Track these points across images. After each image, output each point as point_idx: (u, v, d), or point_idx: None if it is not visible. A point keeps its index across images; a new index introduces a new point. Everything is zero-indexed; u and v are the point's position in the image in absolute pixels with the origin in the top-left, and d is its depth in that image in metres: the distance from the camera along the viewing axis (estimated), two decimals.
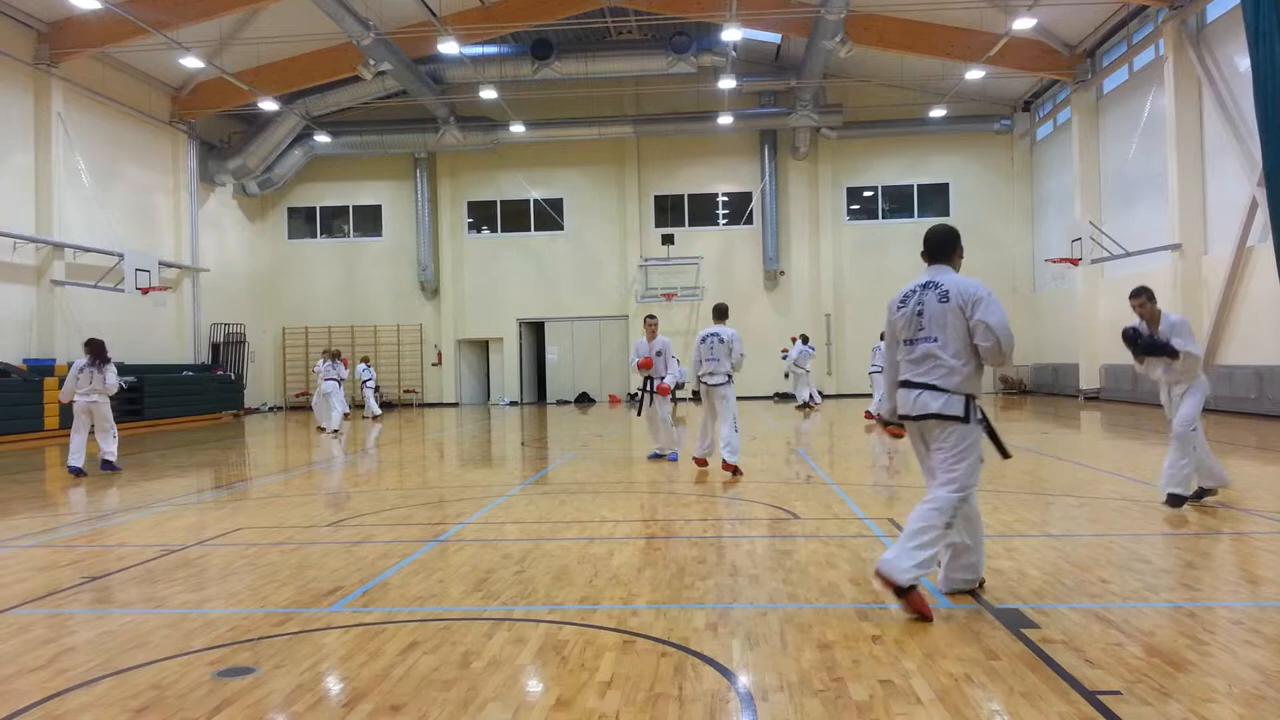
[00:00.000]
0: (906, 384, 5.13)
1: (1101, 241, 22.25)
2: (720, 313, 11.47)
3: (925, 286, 5.13)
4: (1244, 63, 16.84)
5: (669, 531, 7.49)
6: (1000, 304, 5.02)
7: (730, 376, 11.03)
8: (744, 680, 3.92)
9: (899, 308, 5.23)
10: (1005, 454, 5.24)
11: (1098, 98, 25.46)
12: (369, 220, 33.66)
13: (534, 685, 3.97)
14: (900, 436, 5.44)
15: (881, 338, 14.63)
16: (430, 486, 10.88)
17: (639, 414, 12.87)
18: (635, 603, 5.19)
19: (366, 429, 22.07)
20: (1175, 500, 7.75)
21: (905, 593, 4.72)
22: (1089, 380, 25.33)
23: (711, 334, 11.13)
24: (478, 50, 27.15)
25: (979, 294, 4.96)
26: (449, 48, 23.98)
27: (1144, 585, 5.31)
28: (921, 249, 5.29)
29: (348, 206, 33.67)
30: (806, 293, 31.87)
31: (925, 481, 5.22)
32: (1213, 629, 4.49)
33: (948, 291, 5.02)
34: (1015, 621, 4.64)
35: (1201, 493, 8.03)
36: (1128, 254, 21.50)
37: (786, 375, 27.54)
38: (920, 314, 5.07)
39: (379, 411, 26.51)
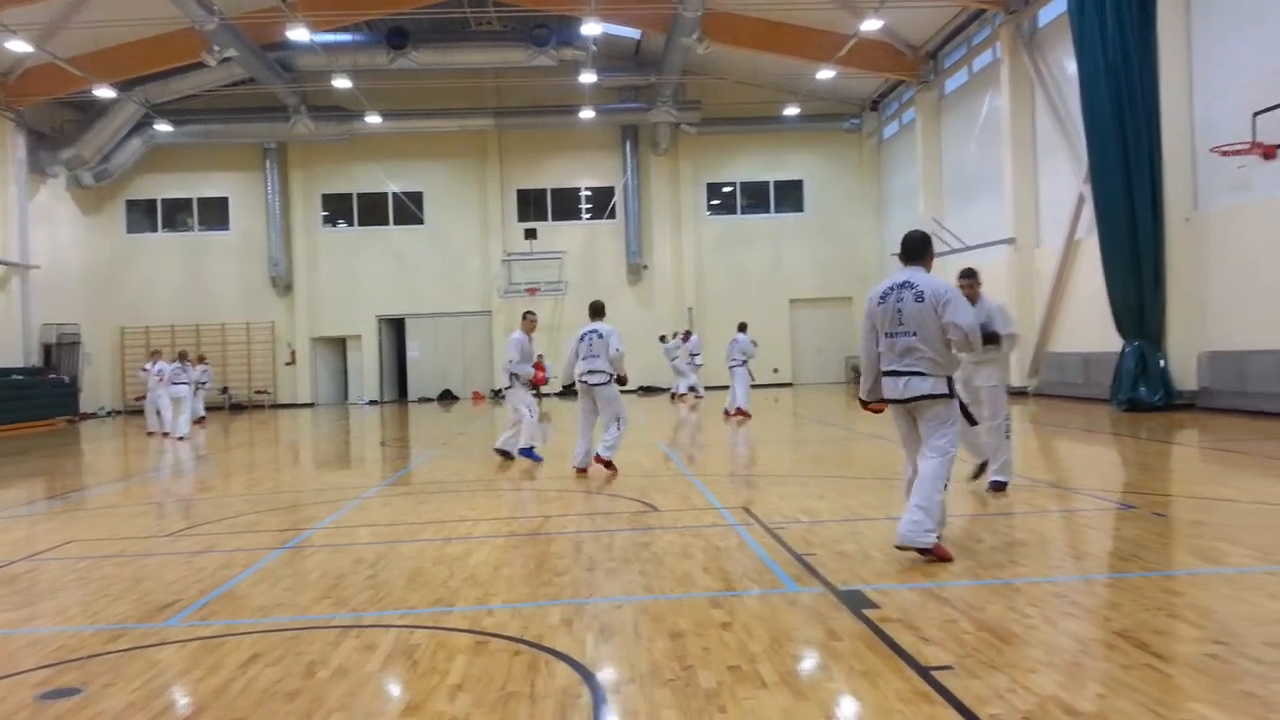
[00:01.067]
0: (894, 373, 5.80)
1: (943, 235, 23.35)
2: (597, 310, 11.06)
3: (902, 286, 5.78)
4: (1072, 66, 17.94)
5: (529, 529, 7.45)
6: (966, 303, 5.86)
7: (612, 375, 10.65)
8: (596, 674, 3.94)
9: (879, 303, 5.87)
10: (973, 421, 6.32)
11: (940, 98, 26.69)
12: (215, 213, 32.13)
13: (382, 692, 3.89)
14: (880, 412, 6.21)
15: (741, 329, 14.70)
16: (281, 491, 10.51)
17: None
18: (491, 602, 5.15)
19: (203, 433, 21.09)
20: (998, 486, 8.08)
21: (929, 551, 5.57)
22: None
23: (590, 331, 10.78)
24: (331, 38, 26.24)
25: (948, 295, 5.71)
26: (299, 34, 23.14)
27: (977, 564, 5.61)
28: (898, 250, 6.09)
29: (192, 199, 32.05)
30: (669, 286, 32.25)
31: (905, 453, 6.06)
32: (1037, 602, 4.78)
33: (922, 292, 5.69)
34: (857, 602, 4.83)
35: (981, 470, 8.30)
36: (967, 247, 22.64)
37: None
38: (900, 311, 5.74)
39: (203, 414, 24.55)
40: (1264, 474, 8.95)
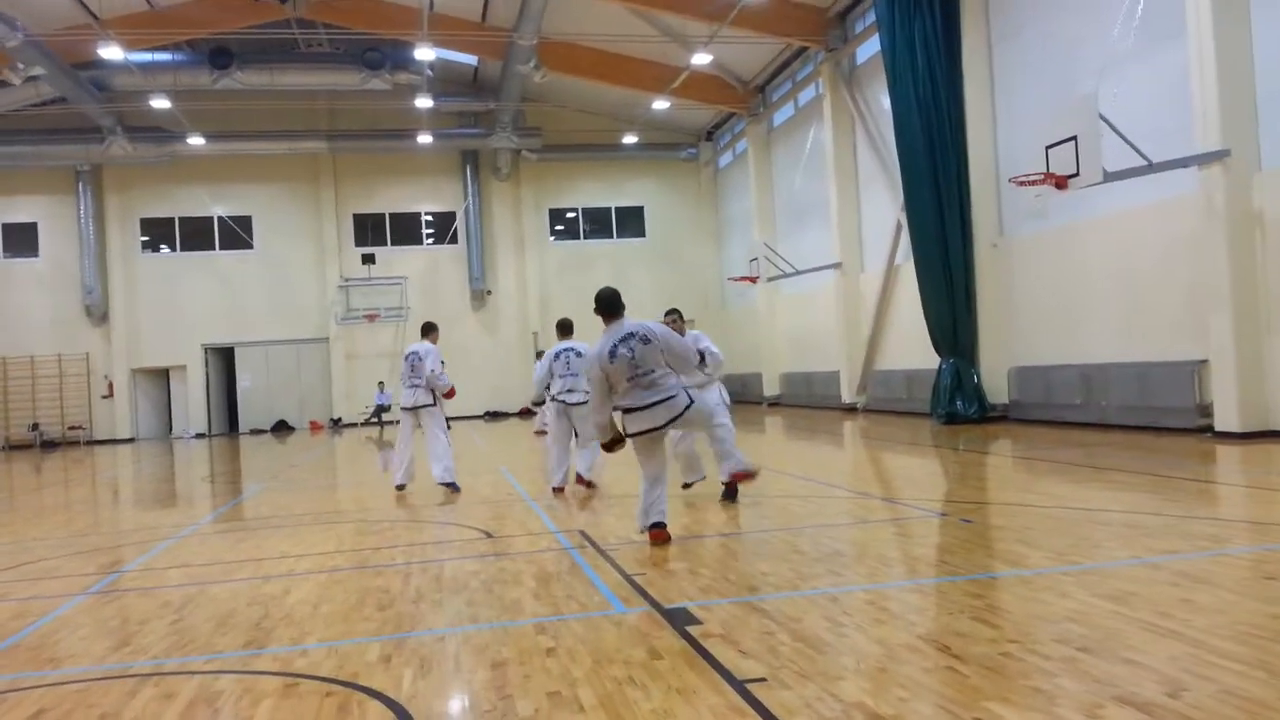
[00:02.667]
0: (646, 407, 6.78)
1: (776, 261, 24.21)
2: (567, 327, 10.78)
3: (629, 336, 6.80)
4: (887, 101, 18.97)
5: (356, 562, 7.20)
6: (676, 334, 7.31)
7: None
8: (410, 710, 3.83)
9: (611, 361, 6.78)
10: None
11: (769, 130, 27.72)
12: (23, 239, 29.89)
13: None
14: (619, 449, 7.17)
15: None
16: (85, 533, 9.79)
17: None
18: (306, 642, 4.93)
19: None
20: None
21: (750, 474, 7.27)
22: (771, 388, 27.41)
23: (567, 349, 10.49)
24: (148, 57, 24.92)
25: (665, 332, 7.06)
26: (112, 53, 21.91)
27: (797, 575, 5.79)
28: (596, 309, 7.02)
29: None
30: (514, 311, 32.08)
31: (645, 471, 7.16)
32: (850, 611, 4.96)
33: (647, 336, 6.82)
34: (681, 619, 4.88)
35: (688, 485, 9.45)
36: (798, 272, 23.53)
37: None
38: (633, 356, 6.75)
39: None
40: (1064, 480, 9.63)
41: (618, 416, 7.03)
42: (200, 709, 3.99)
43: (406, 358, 11.27)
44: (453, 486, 10.96)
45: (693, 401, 6.91)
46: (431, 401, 11.12)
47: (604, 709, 3.70)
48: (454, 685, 4.11)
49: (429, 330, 11.49)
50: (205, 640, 5.07)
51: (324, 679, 4.27)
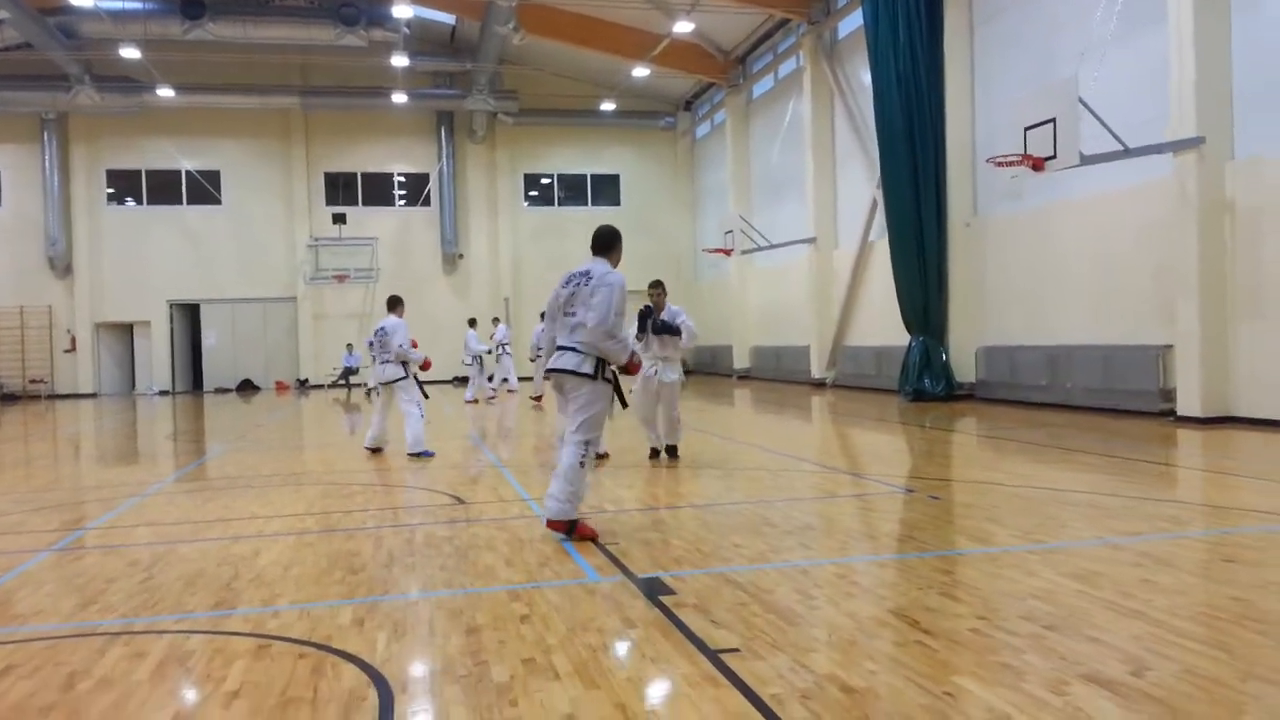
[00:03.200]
0: (560, 348, 6.29)
1: (751, 234, 24.20)
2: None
3: (583, 275, 6.27)
4: (868, 77, 18.96)
5: (326, 525, 7.18)
6: (612, 297, 6.17)
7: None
8: (384, 674, 3.83)
9: (562, 287, 6.35)
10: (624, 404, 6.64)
11: (748, 102, 27.60)
12: None
13: (150, 702, 3.63)
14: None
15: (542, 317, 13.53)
16: (49, 489, 9.66)
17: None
18: (277, 603, 4.91)
19: None
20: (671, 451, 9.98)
21: (573, 528, 6.14)
22: (741, 361, 27.52)
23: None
24: (118, 4, 24.29)
25: (602, 285, 6.19)
26: None
27: (768, 547, 5.84)
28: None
29: None
30: (486, 276, 31.88)
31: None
32: (820, 584, 5.02)
33: (590, 281, 6.22)
34: (654, 589, 4.92)
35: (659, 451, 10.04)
36: (773, 246, 23.55)
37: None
38: (574, 296, 6.23)
39: None
40: (1029, 459, 9.77)
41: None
42: (172, 668, 3.97)
43: (375, 333, 11.34)
44: (425, 454, 10.97)
45: (593, 377, 6.09)
46: (403, 375, 11.16)
47: (579, 676, 3.73)
48: (428, 650, 4.11)
49: (395, 304, 11.48)
50: (175, 600, 5.04)
51: (296, 640, 4.26)
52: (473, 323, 22.39)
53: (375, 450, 11.44)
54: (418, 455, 10.94)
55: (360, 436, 13.35)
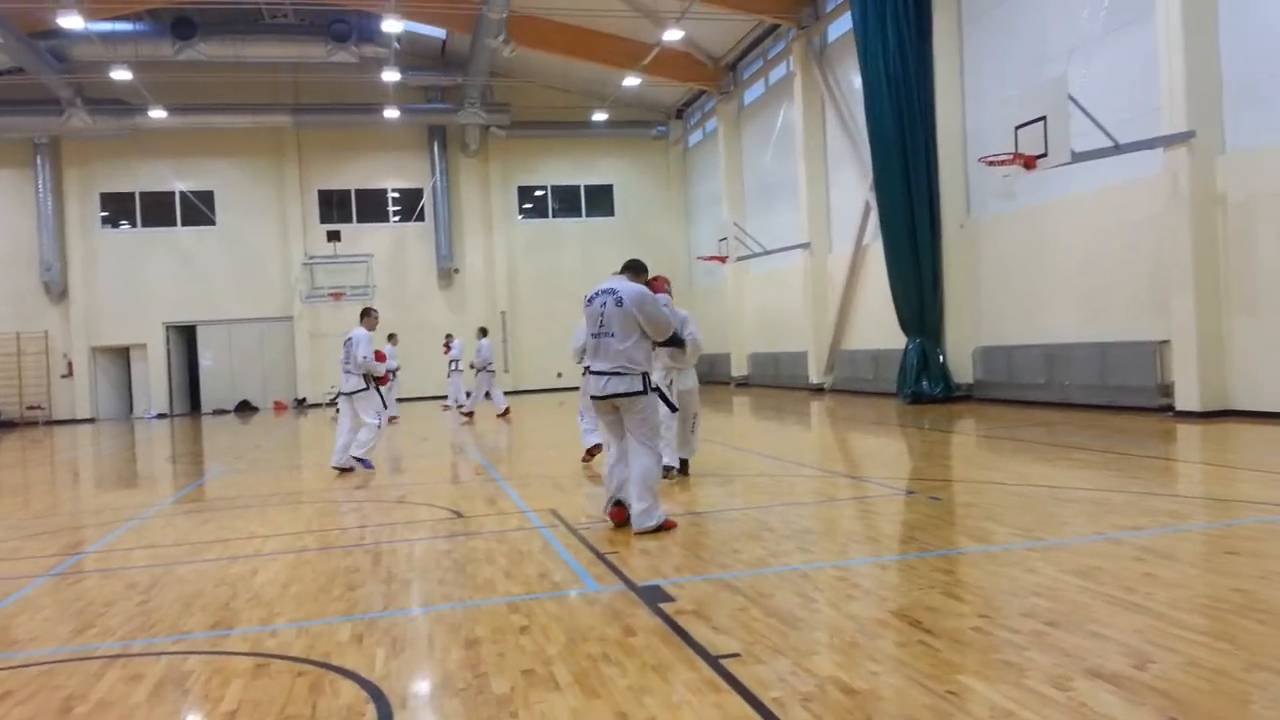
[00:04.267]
0: (593, 371, 6.60)
1: (745, 241, 24.23)
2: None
3: (607, 292, 6.57)
4: (858, 81, 19.00)
5: (324, 543, 7.15)
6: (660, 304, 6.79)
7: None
8: (383, 689, 3.81)
9: (587, 304, 6.67)
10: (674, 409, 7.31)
11: (739, 109, 27.66)
12: None
13: None
14: None
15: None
16: (47, 515, 9.63)
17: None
18: (276, 622, 4.88)
19: None
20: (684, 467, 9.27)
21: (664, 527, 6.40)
22: (739, 368, 27.50)
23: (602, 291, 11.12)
24: (109, 26, 24.34)
25: (643, 297, 6.59)
26: (72, 22, 21.28)
27: (768, 552, 5.82)
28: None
29: None
30: (481, 290, 31.88)
31: (610, 439, 6.93)
32: (821, 587, 4.99)
33: (621, 297, 6.50)
34: (655, 597, 4.89)
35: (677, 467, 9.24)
36: (767, 252, 23.57)
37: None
38: (603, 314, 6.53)
39: None
40: (1028, 458, 9.75)
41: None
42: (169, 689, 3.94)
43: (344, 343, 11.39)
44: (367, 465, 11.17)
45: (644, 392, 6.40)
46: (364, 387, 11.25)
47: (580, 686, 3.70)
48: (427, 664, 4.09)
49: (365, 315, 11.57)
50: (172, 621, 5.01)
51: (295, 659, 4.24)
52: (484, 332, 21.86)
53: (345, 470, 11.24)
54: (359, 461, 11.10)
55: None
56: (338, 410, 12.19)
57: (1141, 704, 3.19)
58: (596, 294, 6.58)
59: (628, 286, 6.54)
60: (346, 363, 11.27)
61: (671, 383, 8.92)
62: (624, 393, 6.39)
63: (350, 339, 11.26)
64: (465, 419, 19.98)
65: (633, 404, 6.44)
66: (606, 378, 6.43)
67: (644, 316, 6.45)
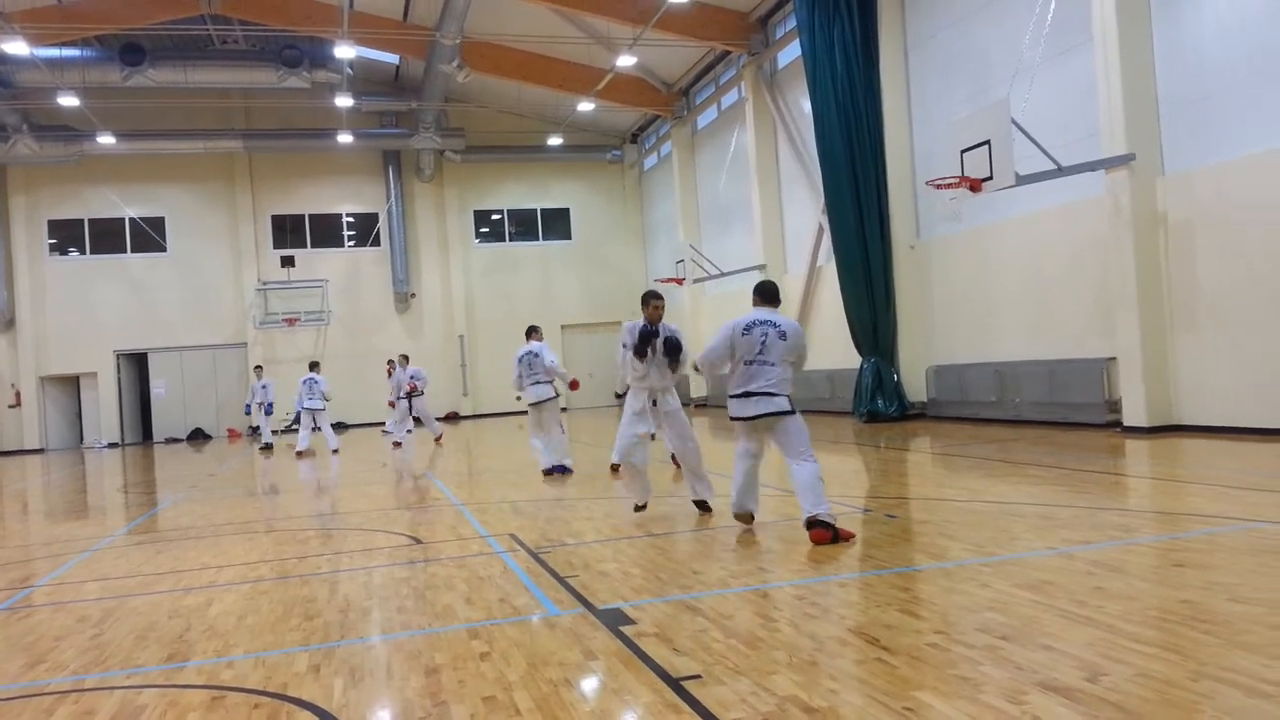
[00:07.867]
0: (742, 394, 7.03)
1: (701, 263, 24.39)
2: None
3: (764, 322, 7.05)
4: (808, 105, 19.27)
5: (280, 572, 7.05)
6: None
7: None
8: None
9: (744, 334, 7.00)
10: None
11: (693, 133, 27.93)
12: None
13: None
14: None
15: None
16: None
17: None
18: (232, 653, 4.82)
19: None
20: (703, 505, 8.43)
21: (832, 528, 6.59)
22: (697, 389, 27.61)
23: (527, 351, 12.29)
24: (55, 53, 23.98)
25: (800, 332, 7.29)
26: (16, 48, 21.02)
27: (728, 572, 5.86)
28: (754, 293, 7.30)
29: None
30: (439, 314, 31.72)
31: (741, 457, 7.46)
32: (780, 606, 5.04)
33: (784, 331, 7.06)
34: (615, 620, 4.91)
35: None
36: (723, 274, 23.75)
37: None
38: (764, 343, 6.95)
39: None
40: (981, 475, 9.91)
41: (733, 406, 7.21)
42: None
43: (518, 360, 12.36)
44: (561, 469, 12.13)
45: (793, 411, 6.94)
46: (553, 395, 12.44)
47: (540, 711, 3.70)
48: (386, 693, 4.06)
49: (533, 331, 12.65)
50: (126, 654, 4.92)
51: (251, 690, 4.19)
52: (406, 359, 21.49)
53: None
54: (560, 469, 12.13)
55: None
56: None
57: (1094, 716, 3.26)
58: (755, 323, 6.98)
59: (787, 321, 7.07)
60: (531, 375, 12.16)
61: (656, 404, 8.47)
62: (775, 412, 6.86)
63: (530, 352, 12.21)
64: (395, 447, 19.64)
65: (787, 422, 6.90)
66: (758, 398, 6.90)
67: (800, 350, 7.08)
